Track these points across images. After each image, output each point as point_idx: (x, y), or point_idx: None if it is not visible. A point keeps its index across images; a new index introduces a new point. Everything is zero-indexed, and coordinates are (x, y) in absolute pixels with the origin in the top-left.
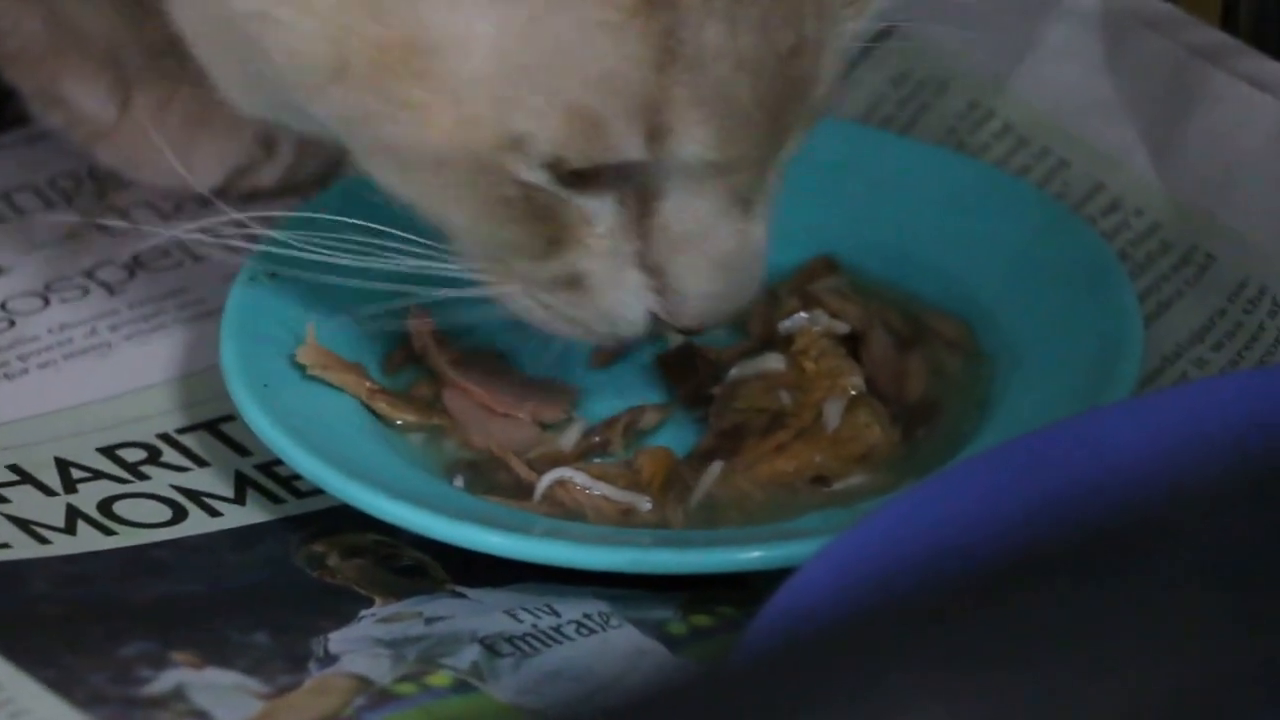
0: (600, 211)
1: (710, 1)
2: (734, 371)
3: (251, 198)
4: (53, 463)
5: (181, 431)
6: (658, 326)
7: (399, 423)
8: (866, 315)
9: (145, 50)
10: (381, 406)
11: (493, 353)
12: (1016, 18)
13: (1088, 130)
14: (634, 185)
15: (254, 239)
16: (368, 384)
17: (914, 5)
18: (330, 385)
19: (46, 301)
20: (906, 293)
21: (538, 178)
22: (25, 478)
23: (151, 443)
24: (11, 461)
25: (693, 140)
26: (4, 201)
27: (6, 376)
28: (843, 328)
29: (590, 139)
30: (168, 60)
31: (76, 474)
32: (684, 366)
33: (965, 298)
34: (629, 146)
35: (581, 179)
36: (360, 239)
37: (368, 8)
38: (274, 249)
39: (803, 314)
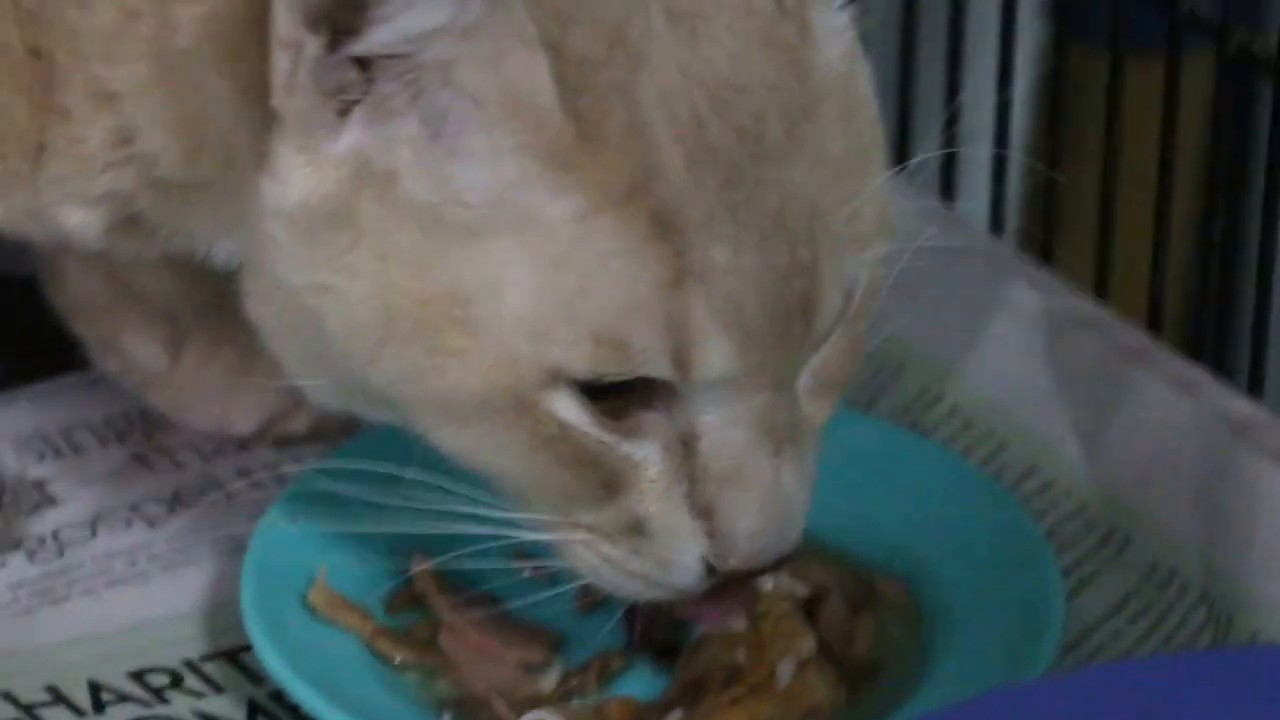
0: (648, 457)
1: (713, 224)
2: (699, 629)
3: (284, 443)
4: (85, 685)
5: (204, 659)
6: (708, 577)
7: (397, 660)
8: (825, 578)
9: (195, 309)
10: (381, 645)
11: (486, 595)
12: (966, 312)
13: (1026, 417)
14: (674, 428)
15: (282, 480)
16: (370, 625)
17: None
18: (338, 624)
19: (94, 533)
20: (858, 557)
21: (578, 419)
22: (59, 698)
23: (176, 668)
24: (50, 682)
25: (713, 350)
26: (63, 437)
27: (52, 602)
28: (803, 590)
29: (619, 359)
30: (213, 318)
31: (106, 696)
32: (652, 621)
33: (910, 565)
34: (657, 363)
35: (620, 419)
36: (393, 487)
37: (410, 266)
38: (300, 493)
39: (769, 580)
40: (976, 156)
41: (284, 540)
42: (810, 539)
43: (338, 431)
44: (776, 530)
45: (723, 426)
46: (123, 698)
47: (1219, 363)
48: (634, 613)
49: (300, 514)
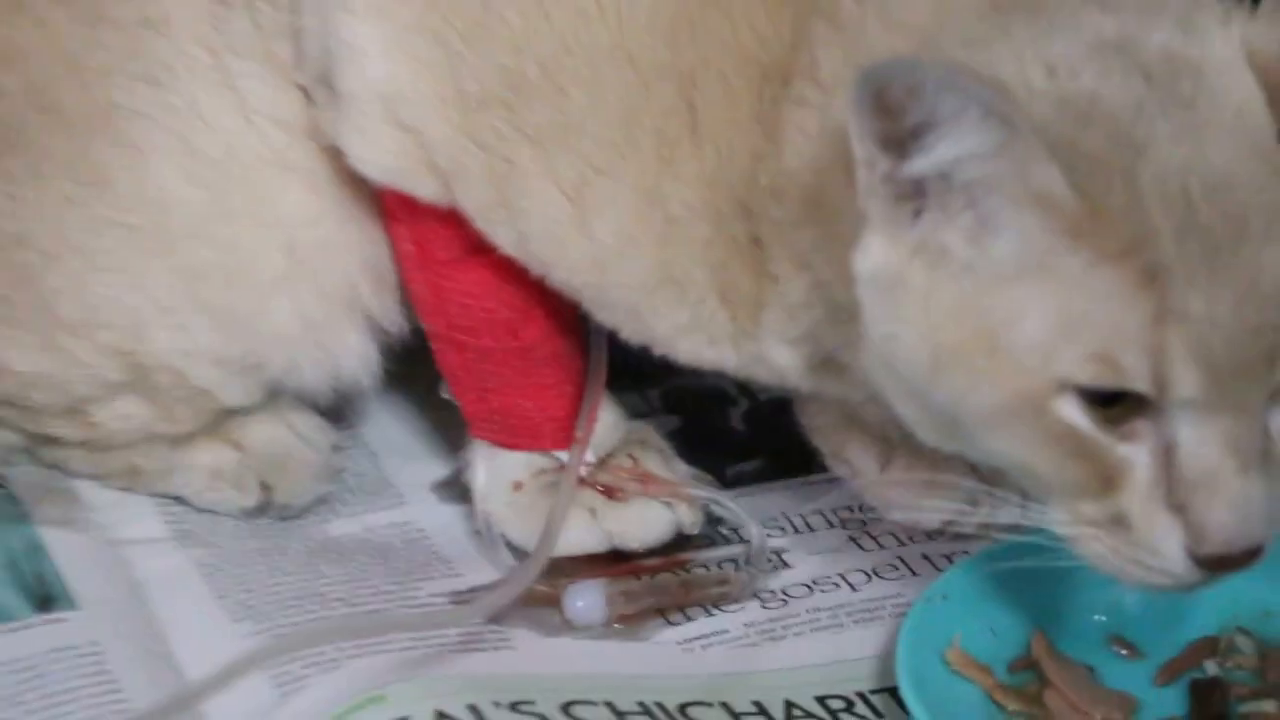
0: (1138, 460)
1: (1193, 281)
2: (1242, 707)
3: (957, 537)
4: (782, 703)
5: (873, 692)
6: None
7: (1010, 709)
8: None
9: (900, 433)
10: (999, 696)
11: (1086, 666)
12: None
13: None
14: (1159, 438)
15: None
16: (992, 680)
17: None
18: (964, 676)
19: (811, 590)
20: None
21: (1080, 421)
22: (761, 711)
23: (850, 697)
24: (756, 699)
25: (1186, 375)
26: (800, 519)
27: (771, 639)
28: None
29: (1112, 374)
30: (914, 440)
31: (795, 713)
32: (1208, 693)
33: None
34: (1139, 379)
35: (1116, 426)
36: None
37: (950, 313)
38: (953, 576)
39: None
40: None
41: (935, 611)
42: None
43: (992, 536)
44: (1242, 527)
45: (1197, 440)
46: (808, 714)
47: None
48: (1206, 688)
49: (951, 592)
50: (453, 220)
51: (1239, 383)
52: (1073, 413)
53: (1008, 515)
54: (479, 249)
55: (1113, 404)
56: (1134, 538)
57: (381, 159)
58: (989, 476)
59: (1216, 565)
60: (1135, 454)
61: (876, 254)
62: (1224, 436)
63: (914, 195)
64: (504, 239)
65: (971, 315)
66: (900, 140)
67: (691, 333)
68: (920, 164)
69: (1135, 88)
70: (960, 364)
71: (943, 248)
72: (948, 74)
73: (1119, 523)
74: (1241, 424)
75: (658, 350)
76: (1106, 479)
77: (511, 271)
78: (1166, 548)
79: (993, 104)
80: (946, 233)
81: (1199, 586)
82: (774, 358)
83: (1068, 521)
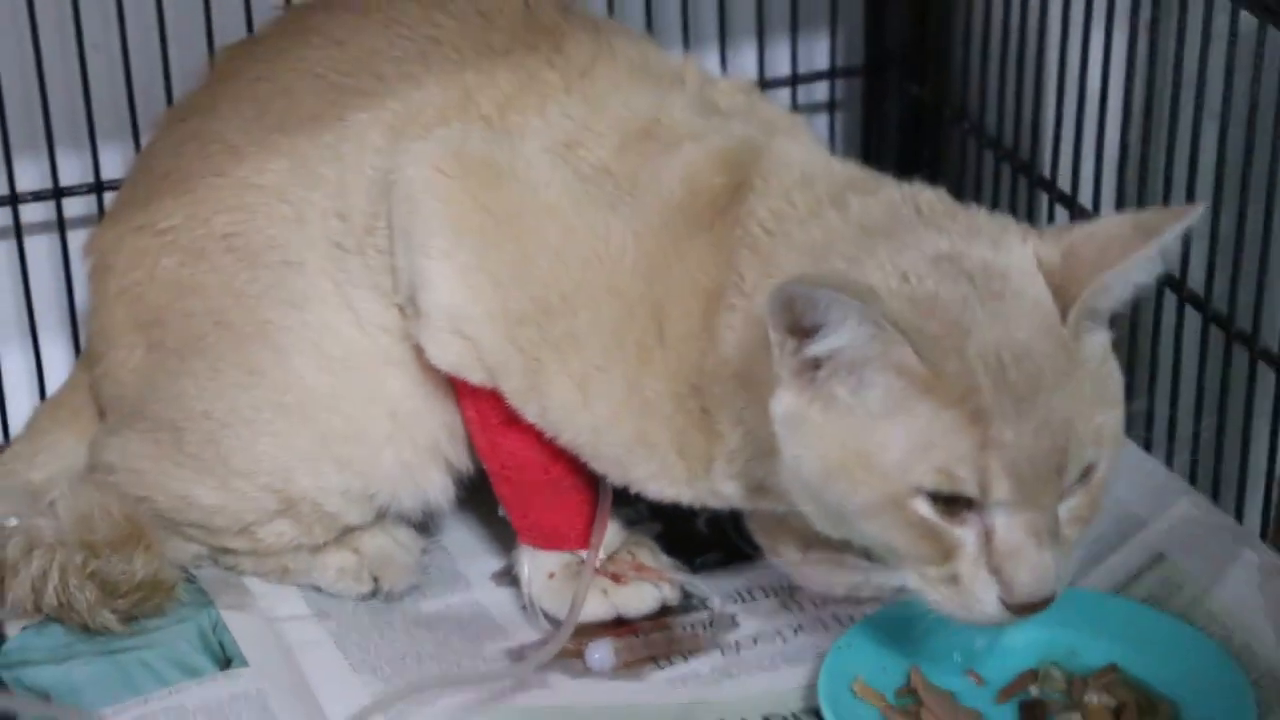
0: (967, 539)
1: (1005, 421)
2: (1056, 719)
3: (858, 602)
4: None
5: (803, 712)
6: (1001, 612)
7: None
8: (1126, 696)
9: (815, 533)
10: (890, 714)
11: (948, 692)
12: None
13: (1264, 637)
14: (982, 525)
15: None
16: (885, 703)
17: (1177, 545)
18: (865, 702)
19: (756, 642)
20: (1145, 687)
21: (928, 514)
22: None
23: (787, 715)
24: (721, 717)
25: (1000, 484)
26: (748, 593)
27: (730, 676)
28: (1112, 702)
29: (950, 483)
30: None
31: None
32: (1032, 709)
33: (1173, 692)
34: (969, 487)
35: (953, 517)
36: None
37: (834, 441)
38: (857, 630)
39: (1094, 695)
40: None
41: (843, 655)
42: (1125, 675)
43: (881, 600)
44: (1038, 586)
45: (1007, 528)
46: None
47: None
48: (1031, 707)
49: (854, 643)
50: (498, 398)
51: (1037, 487)
52: (923, 508)
53: (889, 582)
54: (517, 419)
55: (950, 503)
56: (964, 591)
57: (448, 357)
58: (874, 557)
59: (1020, 610)
60: (965, 535)
61: (787, 402)
62: (1027, 524)
63: (813, 364)
64: (531, 413)
65: (853, 442)
66: (803, 330)
67: (658, 478)
68: (816, 349)
69: (963, 287)
70: (845, 475)
71: (832, 396)
72: (834, 292)
73: (954, 581)
74: (1039, 515)
75: (633, 490)
76: (946, 552)
77: (538, 434)
78: (987, 598)
79: (865, 312)
80: (835, 387)
81: (1008, 624)
82: (722, 490)
83: (919, 581)
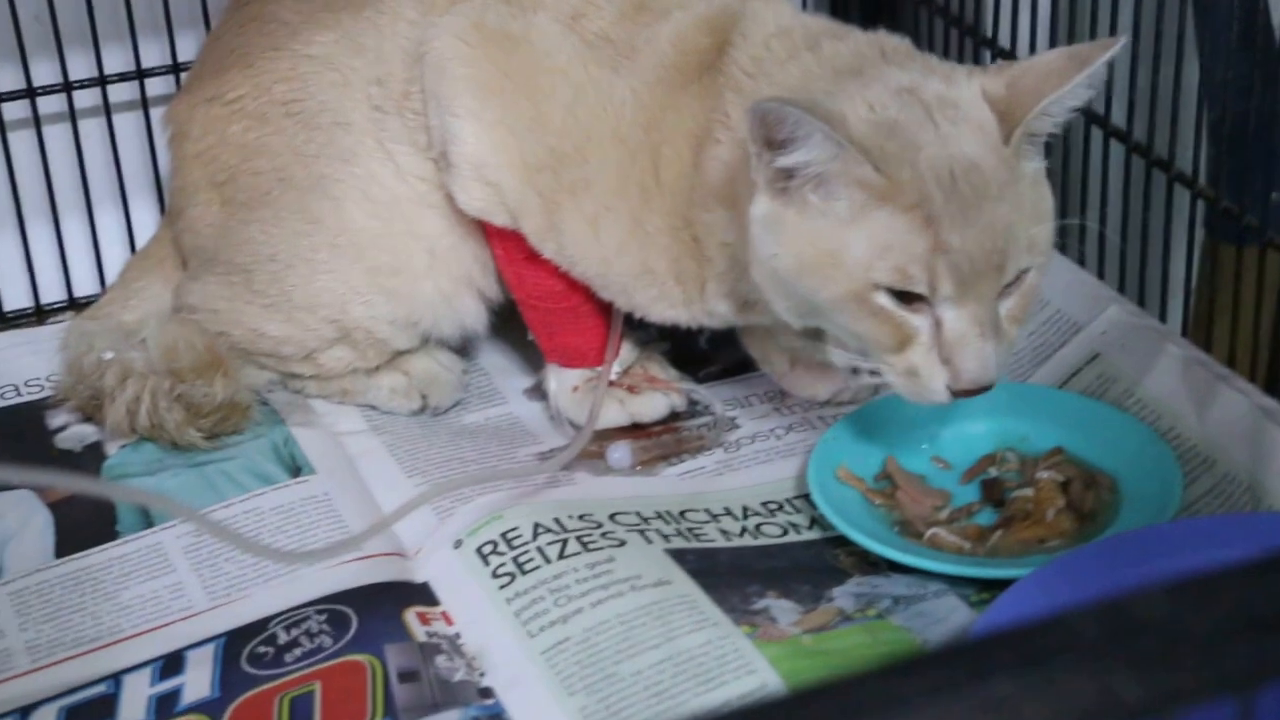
0: (920, 327)
1: (954, 225)
2: (1012, 494)
3: (840, 405)
4: (740, 507)
5: (794, 499)
6: (947, 396)
7: (877, 503)
8: (1072, 473)
9: (802, 343)
10: (870, 496)
11: (919, 475)
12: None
13: (1174, 403)
14: (932, 317)
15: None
16: (865, 486)
17: (1111, 345)
18: (848, 486)
19: (753, 441)
20: (1090, 465)
21: (887, 304)
22: (728, 511)
23: (780, 501)
24: (726, 504)
25: (947, 283)
26: (746, 399)
27: (730, 470)
28: (1060, 478)
29: (905, 280)
30: (810, 349)
31: (748, 511)
32: (992, 486)
33: (1113, 469)
34: (920, 284)
35: (908, 306)
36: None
37: (808, 240)
38: (840, 426)
39: (1045, 472)
40: None
41: (828, 448)
42: (1069, 456)
43: (860, 400)
44: (981, 373)
45: (954, 319)
46: (755, 512)
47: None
48: (991, 484)
49: (838, 436)
50: (520, 237)
51: (979, 284)
52: (882, 299)
53: (864, 386)
54: (538, 255)
55: (905, 297)
56: (919, 379)
57: (475, 203)
58: (842, 346)
59: (962, 394)
60: (920, 324)
61: (764, 205)
62: (970, 317)
63: (786, 174)
64: (549, 250)
65: (822, 242)
66: (777, 143)
67: (659, 302)
68: (787, 160)
69: (919, 113)
70: (815, 271)
71: (805, 202)
72: (801, 112)
73: (911, 372)
74: (981, 309)
75: (638, 314)
76: (903, 340)
77: (556, 267)
78: (936, 384)
79: (827, 131)
80: (807, 194)
81: (950, 404)
82: (716, 309)
83: (885, 368)
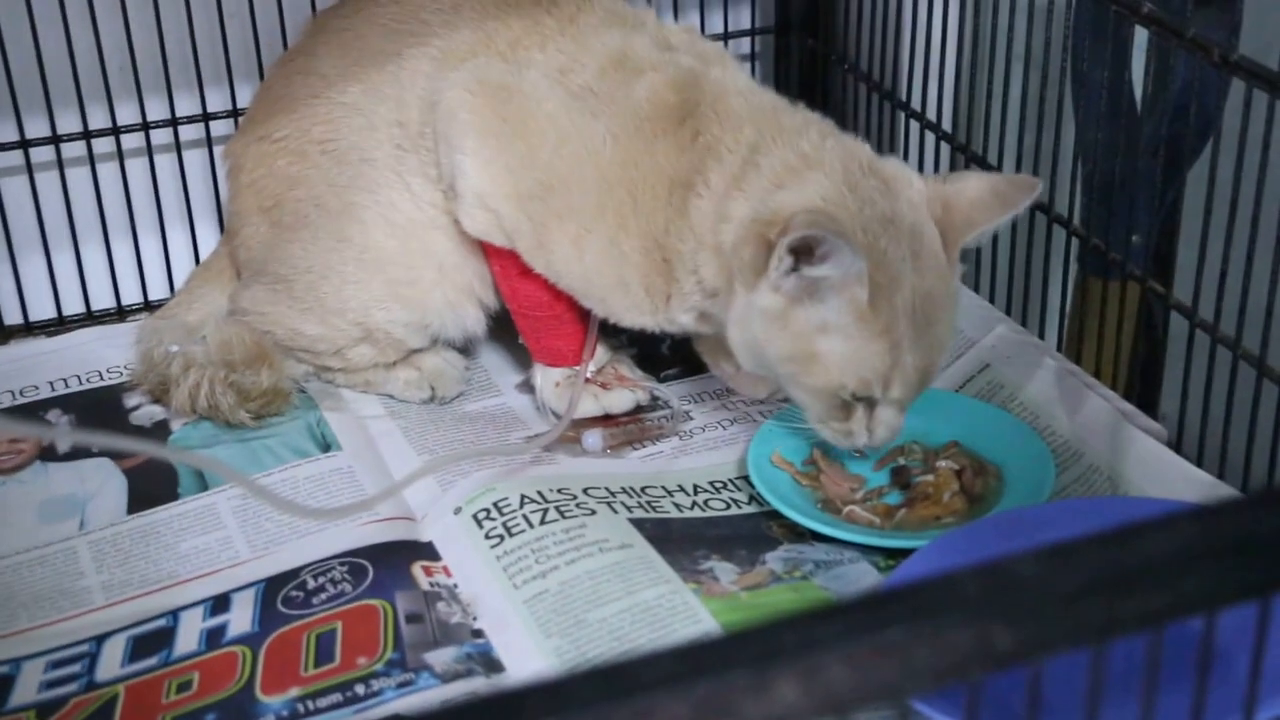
0: (860, 408)
1: (911, 348)
2: (916, 479)
3: (778, 400)
4: (691, 485)
5: (736, 479)
6: (868, 448)
7: (804, 484)
8: (966, 462)
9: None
10: (799, 479)
11: (840, 462)
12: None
13: (1060, 419)
14: (871, 405)
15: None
16: (794, 469)
17: (998, 358)
18: (780, 469)
19: (703, 430)
20: (980, 456)
21: (846, 397)
22: (680, 488)
23: (724, 481)
24: (679, 482)
25: (897, 390)
26: (697, 397)
27: (685, 454)
28: (955, 466)
29: (866, 389)
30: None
31: (698, 488)
32: (900, 473)
33: (999, 460)
34: (877, 392)
35: (860, 400)
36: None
37: (796, 337)
38: (776, 420)
39: (943, 462)
40: None
41: (765, 437)
42: (963, 448)
43: (788, 400)
44: (891, 439)
45: (887, 411)
46: (703, 489)
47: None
48: (899, 471)
49: (773, 428)
50: (515, 255)
51: (914, 390)
52: (844, 394)
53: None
54: (529, 271)
55: (859, 395)
56: (849, 438)
57: (477, 227)
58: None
59: (877, 448)
60: (862, 408)
61: (769, 299)
62: (899, 407)
63: (796, 274)
64: (539, 266)
65: (809, 345)
66: (811, 255)
67: (631, 310)
68: (815, 272)
69: (902, 248)
70: (796, 362)
71: (802, 302)
72: (846, 244)
73: (846, 433)
74: (908, 399)
75: (613, 320)
76: (846, 415)
77: (544, 281)
78: (859, 441)
79: (857, 264)
80: (804, 297)
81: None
82: (677, 319)
83: (820, 425)
